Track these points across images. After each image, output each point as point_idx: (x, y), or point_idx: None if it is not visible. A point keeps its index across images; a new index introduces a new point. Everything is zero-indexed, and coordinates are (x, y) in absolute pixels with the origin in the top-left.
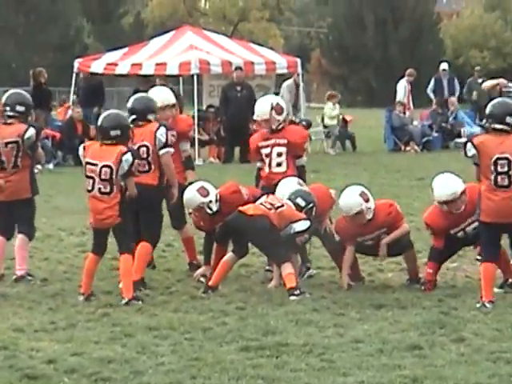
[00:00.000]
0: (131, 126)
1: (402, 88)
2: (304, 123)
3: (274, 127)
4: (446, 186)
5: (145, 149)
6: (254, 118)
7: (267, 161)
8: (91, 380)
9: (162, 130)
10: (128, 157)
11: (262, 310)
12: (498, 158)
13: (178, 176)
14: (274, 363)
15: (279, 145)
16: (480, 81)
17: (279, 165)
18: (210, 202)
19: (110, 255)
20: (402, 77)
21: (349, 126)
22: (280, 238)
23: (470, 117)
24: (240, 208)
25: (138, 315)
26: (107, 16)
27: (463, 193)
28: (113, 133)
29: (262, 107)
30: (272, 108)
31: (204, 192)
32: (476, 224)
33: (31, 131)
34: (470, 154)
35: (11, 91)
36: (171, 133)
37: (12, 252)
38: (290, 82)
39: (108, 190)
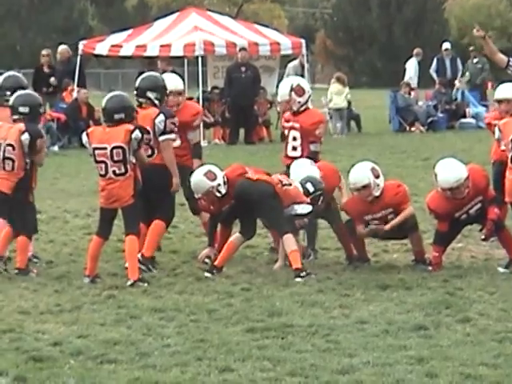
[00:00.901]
0: (135, 107)
1: (413, 67)
2: None
3: (295, 109)
4: (451, 172)
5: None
6: (278, 99)
7: (285, 143)
8: (97, 362)
9: (161, 117)
10: (137, 133)
11: (268, 291)
12: None
13: (188, 162)
14: (280, 344)
15: (294, 128)
16: (475, 61)
17: (294, 149)
18: (219, 185)
19: (116, 237)
20: (411, 57)
21: (354, 107)
22: (282, 208)
23: (474, 97)
24: (246, 175)
25: (144, 297)
26: None
27: (467, 178)
28: (117, 116)
29: (283, 88)
30: (291, 89)
31: (211, 176)
32: (479, 206)
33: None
34: (496, 136)
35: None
36: (171, 120)
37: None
38: (295, 62)
39: (123, 170)
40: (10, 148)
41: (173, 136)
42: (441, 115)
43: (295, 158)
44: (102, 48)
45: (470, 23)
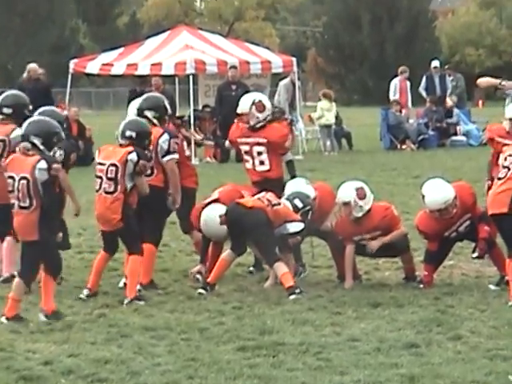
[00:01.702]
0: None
1: (393, 86)
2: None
3: (252, 123)
4: (438, 194)
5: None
6: (237, 111)
7: (248, 158)
8: (88, 381)
9: (165, 137)
10: (133, 156)
11: (259, 309)
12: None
13: (188, 181)
14: (271, 362)
15: (259, 144)
16: (450, 78)
17: (262, 163)
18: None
19: None
20: (396, 75)
21: (345, 124)
22: (274, 236)
23: (464, 114)
24: (238, 200)
25: (135, 316)
26: (103, 16)
27: (455, 197)
28: (128, 134)
29: (244, 101)
30: (253, 103)
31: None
32: (468, 223)
33: (18, 131)
34: None
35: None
36: (175, 140)
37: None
38: (286, 80)
39: (112, 189)
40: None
41: (176, 156)
42: (432, 133)
43: (264, 172)
44: (93, 67)
45: (460, 41)
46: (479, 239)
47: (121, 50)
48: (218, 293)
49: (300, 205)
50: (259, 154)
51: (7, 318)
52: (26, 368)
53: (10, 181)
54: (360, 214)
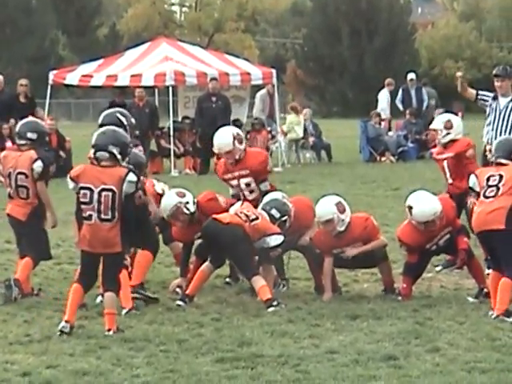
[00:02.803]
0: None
1: (385, 98)
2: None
3: (237, 157)
4: (427, 206)
5: None
6: (216, 150)
7: (238, 191)
8: None
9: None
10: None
11: (238, 321)
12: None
13: None
14: (250, 374)
15: (243, 176)
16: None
17: (252, 192)
18: (187, 202)
19: None
20: (383, 87)
21: (324, 136)
22: (252, 251)
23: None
24: (215, 216)
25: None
26: (82, 28)
27: (441, 210)
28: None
29: (224, 139)
30: (234, 138)
31: (181, 194)
32: (448, 236)
33: None
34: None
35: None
36: None
37: None
38: (263, 91)
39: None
40: (23, 176)
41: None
42: (411, 145)
43: (256, 198)
44: (73, 78)
45: (440, 53)
46: (460, 250)
47: (100, 61)
48: (196, 304)
49: (277, 215)
50: (247, 185)
51: (109, 330)
52: (4, 379)
53: (86, 192)
54: (343, 228)
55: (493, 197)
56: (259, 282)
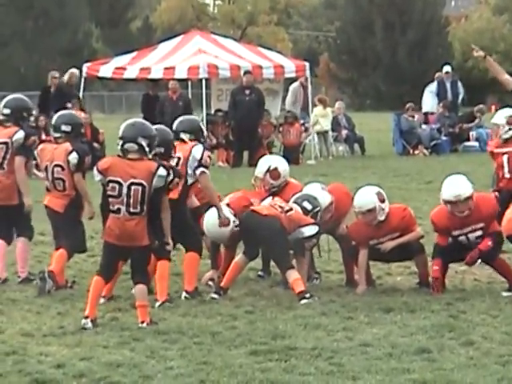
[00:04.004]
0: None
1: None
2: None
3: (267, 188)
4: (453, 186)
5: None
6: (255, 174)
7: None
8: None
9: (198, 148)
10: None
11: (271, 313)
12: None
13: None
14: (283, 367)
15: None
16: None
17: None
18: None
19: None
20: (432, 81)
21: (357, 130)
22: (288, 243)
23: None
24: (253, 207)
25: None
26: (116, 20)
27: (469, 198)
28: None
29: (261, 165)
30: (268, 170)
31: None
32: (480, 233)
33: (20, 134)
34: None
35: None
36: (208, 154)
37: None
38: (295, 84)
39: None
40: (59, 169)
41: (207, 170)
42: (444, 138)
43: None
44: (106, 70)
45: None
46: (476, 248)
47: (134, 53)
48: (230, 297)
49: (309, 207)
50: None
51: (142, 322)
52: (39, 371)
53: (115, 185)
54: (383, 217)
55: None
56: (293, 274)
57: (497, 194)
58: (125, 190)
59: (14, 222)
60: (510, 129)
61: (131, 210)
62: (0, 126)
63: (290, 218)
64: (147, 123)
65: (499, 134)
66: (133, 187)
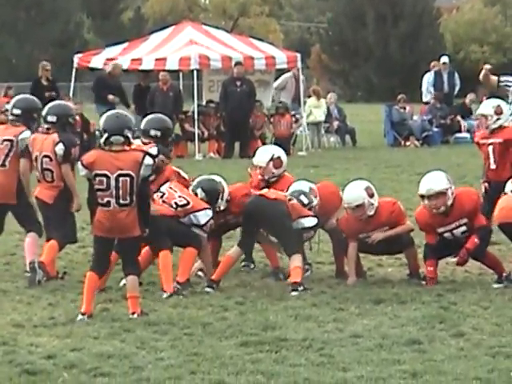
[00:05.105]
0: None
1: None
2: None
3: (266, 177)
4: (427, 181)
5: None
6: (254, 162)
7: None
8: (90, 375)
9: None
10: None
11: (262, 304)
12: None
13: None
14: (274, 358)
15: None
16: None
17: None
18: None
19: None
20: (428, 71)
21: (349, 121)
22: (293, 228)
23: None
24: (261, 192)
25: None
26: (107, 11)
27: (441, 193)
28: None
29: (262, 155)
30: (271, 159)
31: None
32: (464, 229)
33: (26, 133)
34: None
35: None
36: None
37: (12, 248)
38: (287, 74)
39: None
40: (47, 159)
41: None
42: (435, 130)
43: None
44: (98, 61)
45: (465, 38)
46: (464, 248)
47: (125, 44)
48: (221, 288)
49: (306, 201)
50: None
51: (133, 313)
52: (29, 362)
53: (102, 179)
54: (372, 212)
55: None
56: (297, 261)
57: (486, 185)
58: (113, 183)
59: (19, 221)
60: (498, 119)
61: (121, 201)
62: (8, 125)
63: (293, 206)
64: (128, 114)
65: (487, 124)
66: (121, 179)
